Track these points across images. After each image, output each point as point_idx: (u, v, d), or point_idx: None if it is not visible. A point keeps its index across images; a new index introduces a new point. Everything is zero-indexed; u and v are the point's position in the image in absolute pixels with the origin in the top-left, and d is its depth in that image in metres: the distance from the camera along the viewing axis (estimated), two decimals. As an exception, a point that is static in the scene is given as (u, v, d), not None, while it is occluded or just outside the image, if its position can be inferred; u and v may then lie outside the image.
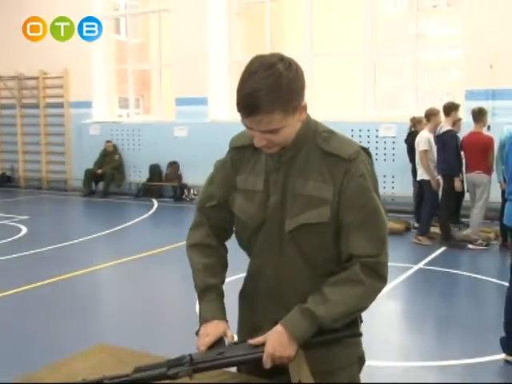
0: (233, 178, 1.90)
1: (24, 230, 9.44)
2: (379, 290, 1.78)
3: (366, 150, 1.85)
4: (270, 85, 1.61)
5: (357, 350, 1.93)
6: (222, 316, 1.87)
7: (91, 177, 13.72)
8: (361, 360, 1.95)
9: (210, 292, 1.91)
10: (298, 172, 1.78)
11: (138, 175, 13.63)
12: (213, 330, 1.81)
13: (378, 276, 1.75)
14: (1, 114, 15.74)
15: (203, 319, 1.86)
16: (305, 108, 1.73)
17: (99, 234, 9.20)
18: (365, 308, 1.78)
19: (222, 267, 1.97)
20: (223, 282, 1.96)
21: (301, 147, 1.78)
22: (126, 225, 10.05)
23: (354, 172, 1.74)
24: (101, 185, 13.73)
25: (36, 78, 14.71)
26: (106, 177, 13.48)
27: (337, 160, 1.75)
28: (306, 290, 1.77)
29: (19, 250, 7.93)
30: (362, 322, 1.91)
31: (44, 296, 6.03)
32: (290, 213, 1.77)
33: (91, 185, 13.78)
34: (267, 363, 1.69)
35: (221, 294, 1.93)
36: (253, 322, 1.93)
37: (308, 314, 1.70)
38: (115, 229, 9.63)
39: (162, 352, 2.10)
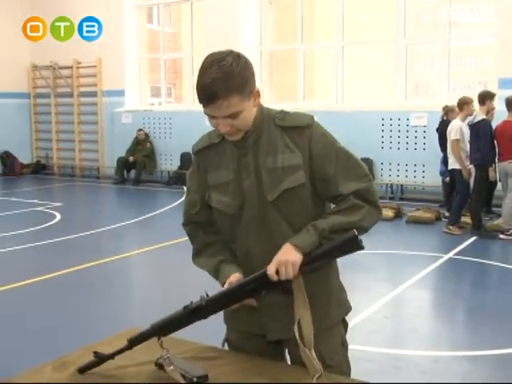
0: (204, 179, 2.06)
1: (58, 216, 9.61)
2: (377, 217, 1.97)
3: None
4: (223, 73, 1.81)
5: (345, 309, 2.11)
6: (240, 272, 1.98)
7: (123, 165, 13.87)
8: (344, 321, 2.12)
9: (223, 263, 2.04)
10: (265, 151, 1.95)
11: (169, 163, 13.74)
12: (235, 278, 1.94)
13: (372, 203, 1.94)
14: (36, 103, 15.99)
15: (224, 278, 1.99)
16: (258, 94, 1.94)
17: (130, 221, 9.32)
18: (362, 227, 1.91)
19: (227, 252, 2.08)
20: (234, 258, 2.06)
21: (261, 130, 1.96)
22: (156, 212, 10.16)
23: (315, 135, 1.94)
24: (132, 173, 13.87)
25: (70, 68, 14.90)
26: (137, 165, 13.62)
27: (297, 130, 1.94)
28: (271, 241, 1.93)
29: (53, 236, 8.09)
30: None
31: (76, 281, 6.15)
32: (268, 187, 1.93)
33: (123, 173, 13.94)
34: (271, 269, 1.81)
35: (235, 262, 2.04)
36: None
37: (310, 227, 1.87)
38: (146, 216, 9.74)
39: (192, 336, 2.17)
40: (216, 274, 2.05)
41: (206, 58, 1.87)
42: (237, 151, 1.98)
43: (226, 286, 1.93)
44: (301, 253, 1.82)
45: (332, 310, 2.04)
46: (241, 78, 1.83)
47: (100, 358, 1.89)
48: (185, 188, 12.23)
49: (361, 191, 1.91)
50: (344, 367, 2.06)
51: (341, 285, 2.12)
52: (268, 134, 1.96)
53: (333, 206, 2.02)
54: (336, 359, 2.02)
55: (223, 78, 1.79)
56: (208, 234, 2.11)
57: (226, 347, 2.14)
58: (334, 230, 1.86)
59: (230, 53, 1.87)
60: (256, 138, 1.96)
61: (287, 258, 1.81)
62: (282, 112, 2.00)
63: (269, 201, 1.92)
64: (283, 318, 1.96)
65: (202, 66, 1.86)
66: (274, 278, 1.80)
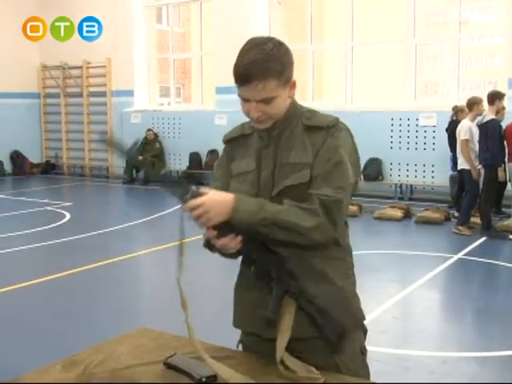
0: (229, 169, 2.06)
1: (67, 216, 9.65)
2: (328, 233, 1.84)
3: (343, 124, 1.97)
4: (262, 56, 1.80)
5: (360, 316, 2.03)
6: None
7: (132, 164, 13.91)
8: (363, 327, 2.04)
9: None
10: (283, 146, 1.94)
11: (178, 163, 13.76)
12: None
13: (331, 218, 1.82)
14: (46, 103, 16.06)
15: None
16: (294, 85, 1.92)
17: (139, 221, 9.35)
18: (308, 236, 1.82)
19: None
20: None
21: (288, 124, 1.95)
22: (165, 212, 10.17)
23: (330, 136, 1.90)
24: (141, 172, 13.91)
25: (79, 68, 14.96)
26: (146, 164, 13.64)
27: (317, 130, 1.92)
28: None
29: (63, 236, 8.12)
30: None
31: (85, 281, 6.17)
32: (277, 181, 1.92)
33: (132, 172, 13.97)
34: (191, 205, 1.77)
35: None
36: (251, 298, 2.00)
37: (260, 203, 1.82)
38: (155, 216, 9.77)
39: (199, 337, 2.17)
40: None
41: (247, 42, 1.87)
42: (261, 142, 1.98)
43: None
44: (230, 217, 1.78)
45: (347, 319, 1.95)
46: (280, 63, 1.83)
47: None
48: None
49: (328, 201, 1.81)
50: (361, 374, 1.99)
51: (355, 293, 2.05)
52: (292, 130, 1.95)
53: None
54: (353, 367, 1.95)
55: (262, 60, 1.79)
56: None
57: (241, 348, 2.12)
58: (275, 222, 1.79)
59: (272, 39, 1.87)
60: (280, 132, 1.95)
61: (210, 211, 1.76)
62: (311, 111, 1.98)
63: (272, 195, 1.91)
64: (297, 318, 1.90)
65: (241, 49, 1.85)
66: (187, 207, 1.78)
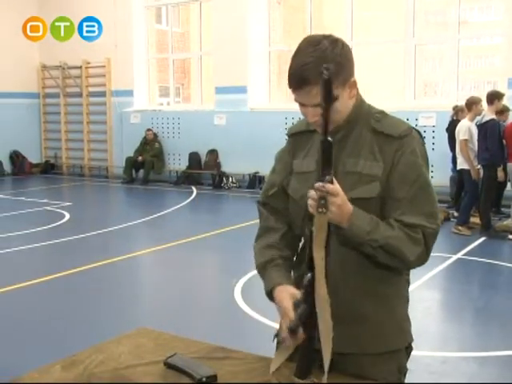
0: (290, 164, 1.97)
1: (67, 216, 9.64)
2: (423, 262, 1.81)
3: (417, 131, 1.89)
4: (317, 57, 1.69)
5: (407, 337, 2.00)
6: (288, 280, 1.86)
7: (132, 164, 13.91)
8: (409, 348, 2.01)
9: (271, 264, 1.91)
10: (349, 151, 1.82)
11: (177, 163, 13.76)
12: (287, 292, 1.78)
13: (427, 248, 1.79)
14: (45, 103, 16.05)
15: (269, 285, 1.86)
16: (354, 84, 1.80)
17: (139, 221, 9.34)
18: (408, 266, 1.81)
19: (283, 247, 1.96)
20: (287, 257, 1.95)
21: (353, 127, 1.83)
22: (165, 212, 10.18)
23: (405, 149, 1.78)
24: (141, 172, 13.92)
25: (79, 68, 14.95)
26: (146, 164, 13.65)
27: (388, 138, 1.80)
28: (350, 263, 1.80)
29: (62, 236, 8.11)
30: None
31: (85, 281, 6.17)
32: None
33: (132, 172, 13.97)
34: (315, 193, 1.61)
35: (284, 265, 1.91)
36: None
37: (375, 222, 1.72)
38: (155, 216, 9.76)
39: (200, 337, 2.17)
40: (262, 273, 1.92)
41: (303, 40, 1.78)
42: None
43: (277, 301, 1.79)
44: (348, 219, 1.67)
45: (391, 337, 1.93)
46: (336, 64, 1.69)
47: None
48: (193, 188, 12.28)
49: (428, 233, 1.76)
50: None
51: (407, 315, 2.01)
52: (358, 133, 1.83)
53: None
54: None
55: (316, 63, 1.67)
56: (277, 220, 1.99)
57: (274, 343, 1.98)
58: (384, 248, 1.72)
59: (328, 36, 1.77)
60: (345, 135, 1.83)
61: (340, 206, 1.62)
62: (382, 112, 1.86)
63: None
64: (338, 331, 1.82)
65: (296, 49, 1.77)
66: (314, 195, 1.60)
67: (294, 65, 1.72)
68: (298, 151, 1.96)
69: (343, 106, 1.78)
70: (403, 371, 1.99)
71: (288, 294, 1.76)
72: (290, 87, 1.74)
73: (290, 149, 2.00)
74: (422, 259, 1.79)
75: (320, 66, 1.59)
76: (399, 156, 1.77)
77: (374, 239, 1.70)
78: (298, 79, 1.70)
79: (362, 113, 1.85)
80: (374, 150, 1.80)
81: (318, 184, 1.58)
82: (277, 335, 1.87)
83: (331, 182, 1.59)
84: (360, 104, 1.85)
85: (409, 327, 2.01)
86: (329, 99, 1.56)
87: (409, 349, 2.01)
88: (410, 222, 1.74)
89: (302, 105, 1.76)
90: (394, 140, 1.79)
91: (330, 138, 1.56)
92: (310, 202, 1.61)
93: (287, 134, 2.03)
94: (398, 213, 1.76)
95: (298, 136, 1.98)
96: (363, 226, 1.70)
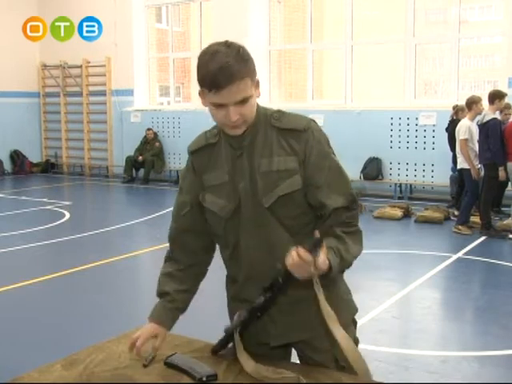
0: (199, 181, 2.00)
1: (67, 215, 9.65)
2: (361, 246, 1.94)
3: (313, 120, 1.95)
4: (235, 55, 1.76)
5: (353, 310, 2.10)
6: (165, 323, 2.04)
7: (132, 164, 13.92)
8: (354, 320, 2.11)
9: (164, 297, 2.10)
10: (260, 153, 1.88)
11: (177, 162, 13.76)
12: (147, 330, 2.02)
13: (359, 230, 1.93)
14: (45, 102, 16.05)
15: (150, 316, 2.08)
16: (258, 84, 1.86)
17: (139, 220, 9.35)
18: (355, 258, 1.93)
19: (187, 277, 2.12)
20: (186, 290, 2.12)
21: (257, 130, 1.89)
22: (165, 211, 10.17)
23: (312, 140, 1.87)
24: (141, 172, 13.92)
25: (79, 67, 14.95)
26: (146, 164, 13.66)
27: (294, 133, 1.87)
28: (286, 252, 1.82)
29: (62, 235, 8.12)
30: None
31: (85, 280, 6.17)
32: (263, 191, 1.87)
33: (132, 171, 13.98)
34: (293, 258, 1.68)
35: (176, 301, 2.08)
36: (243, 294, 2.01)
37: (339, 255, 1.81)
38: (155, 215, 9.76)
39: (200, 336, 2.17)
40: (158, 298, 2.12)
41: (206, 49, 1.82)
42: (232, 152, 1.91)
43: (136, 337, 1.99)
44: (328, 267, 1.76)
45: (342, 313, 1.97)
46: (251, 61, 1.80)
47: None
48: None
49: (350, 215, 1.88)
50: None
51: (346, 287, 2.09)
52: (264, 134, 1.89)
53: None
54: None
55: (237, 60, 1.75)
56: (182, 254, 2.12)
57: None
58: (345, 266, 1.89)
59: (231, 42, 1.82)
60: (251, 139, 1.89)
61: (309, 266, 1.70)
62: (279, 111, 1.92)
63: (264, 206, 1.87)
64: (285, 321, 1.95)
65: (204, 55, 1.80)
66: (292, 262, 1.69)
67: (215, 65, 1.74)
68: (205, 166, 1.99)
69: (254, 103, 1.85)
70: (357, 342, 2.06)
71: (149, 332, 1.99)
72: (213, 88, 1.75)
73: (192, 166, 2.03)
74: (361, 243, 1.94)
75: (240, 62, 1.74)
76: (310, 148, 1.86)
77: (346, 265, 1.88)
78: (226, 75, 1.72)
79: (261, 114, 1.91)
80: (283, 145, 1.87)
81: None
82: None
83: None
84: (259, 106, 1.91)
85: (351, 297, 2.10)
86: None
87: (354, 321, 2.11)
88: (336, 206, 1.85)
89: (220, 106, 1.79)
90: (300, 133, 1.87)
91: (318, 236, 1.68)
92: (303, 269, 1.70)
93: (188, 152, 2.07)
94: (321, 198, 1.86)
95: (200, 152, 2.01)
96: (335, 262, 1.78)
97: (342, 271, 1.97)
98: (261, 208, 1.87)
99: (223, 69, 1.73)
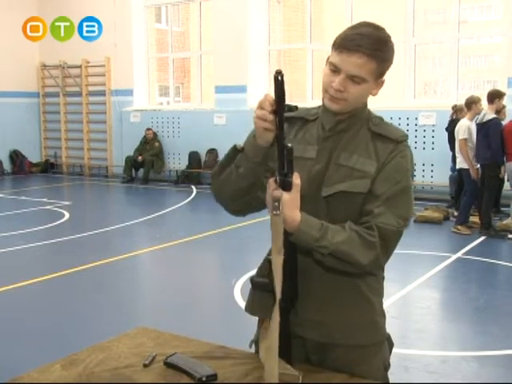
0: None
1: (66, 215, 9.65)
2: (380, 265, 1.82)
3: (408, 137, 1.90)
4: (379, 37, 1.74)
5: (382, 332, 1.95)
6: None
7: (131, 164, 13.92)
8: (389, 340, 1.97)
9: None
10: (344, 145, 1.84)
11: (177, 162, 13.77)
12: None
13: (387, 249, 1.75)
14: (45, 102, 16.05)
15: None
16: (382, 84, 1.83)
17: (139, 220, 9.34)
18: (360, 270, 1.77)
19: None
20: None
21: (354, 124, 1.85)
22: (165, 211, 10.18)
23: (397, 152, 1.81)
24: (141, 171, 13.92)
25: (79, 67, 14.95)
26: (145, 164, 13.66)
27: (385, 141, 1.82)
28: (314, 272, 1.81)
29: (62, 235, 8.11)
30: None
31: (84, 280, 6.17)
32: (328, 181, 1.81)
33: (131, 171, 13.98)
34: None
35: None
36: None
37: (324, 229, 1.71)
38: (154, 215, 9.76)
39: (200, 336, 2.17)
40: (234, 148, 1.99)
41: (363, 22, 1.79)
42: (322, 133, 1.87)
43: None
44: (291, 231, 1.68)
45: (369, 332, 1.90)
46: (388, 53, 1.76)
47: None
48: (193, 187, 12.21)
49: (389, 232, 1.74)
50: None
51: (382, 310, 1.97)
52: (357, 131, 1.85)
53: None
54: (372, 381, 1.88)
55: (376, 40, 1.71)
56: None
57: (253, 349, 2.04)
58: (333, 255, 1.71)
59: (384, 31, 1.78)
60: (344, 128, 1.84)
61: (284, 212, 1.63)
62: (381, 118, 1.89)
63: (322, 195, 1.81)
64: (320, 317, 1.87)
65: (356, 24, 1.77)
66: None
67: (356, 31, 1.72)
68: (290, 135, 1.91)
69: (365, 94, 1.80)
70: (388, 367, 1.96)
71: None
72: (339, 47, 1.73)
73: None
74: (377, 263, 1.77)
75: (379, 43, 1.71)
76: (391, 158, 1.80)
77: (323, 246, 1.70)
78: (356, 43, 1.70)
79: (365, 112, 1.87)
80: (370, 149, 1.82)
81: (272, 185, 1.64)
82: (254, 342, 1.94)
83: (287, 185, 1.63)
84: (366, 104, 1.88)
85: (384, 323, 1.96)
86: (282, 99, 1.64)
87: (390, 342, 1.98)
88: (371, 221, 1.73)
89: (334, 71, 1.74)
90: (391, 143, 1.81)
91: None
92: (267, 198, 1.67)
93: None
94: (372, 206, 1.76)
95: (292, 120, 1.92)
96: (311, 232, 1.69)
97: (332, 264, 1.75)
98: (319, 196, 1.82)
99: (361, 37, 1.71)
